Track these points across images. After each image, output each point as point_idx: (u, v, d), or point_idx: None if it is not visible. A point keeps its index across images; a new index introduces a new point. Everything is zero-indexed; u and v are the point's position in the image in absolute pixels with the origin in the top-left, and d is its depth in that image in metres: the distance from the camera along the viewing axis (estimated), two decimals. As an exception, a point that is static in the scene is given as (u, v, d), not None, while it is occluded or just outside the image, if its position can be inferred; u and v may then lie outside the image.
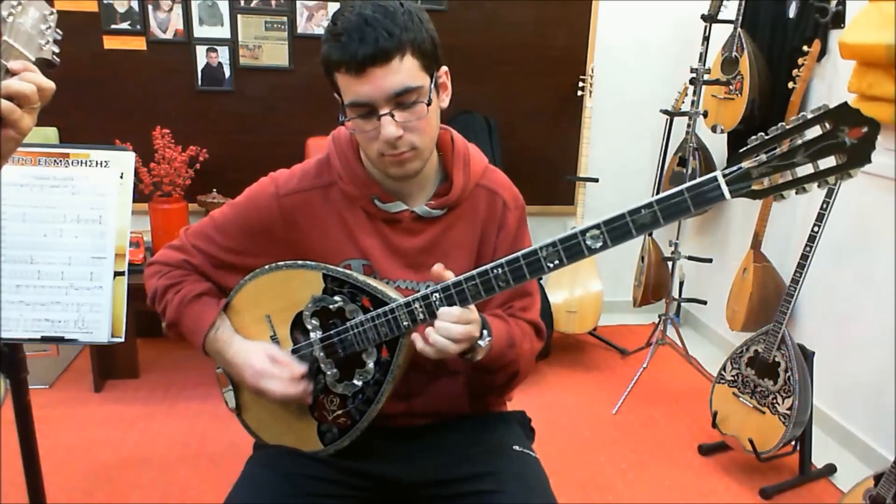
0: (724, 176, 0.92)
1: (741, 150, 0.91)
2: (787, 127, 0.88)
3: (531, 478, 1.23)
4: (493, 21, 3.23)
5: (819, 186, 0.90)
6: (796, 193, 0.91)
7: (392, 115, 1.06)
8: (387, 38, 1.02)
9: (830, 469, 2.42)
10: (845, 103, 0.86)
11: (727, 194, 0.92)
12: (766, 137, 0.90)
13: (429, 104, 1.09)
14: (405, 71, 1.05)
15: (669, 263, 3.09)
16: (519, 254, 1.03)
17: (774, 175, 0.90)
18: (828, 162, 0.88)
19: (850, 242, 2.52)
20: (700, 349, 3.30)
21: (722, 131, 3.02)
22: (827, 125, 0.87)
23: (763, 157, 0.90)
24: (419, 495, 1.25)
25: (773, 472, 2.37)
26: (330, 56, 1.06)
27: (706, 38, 2.93)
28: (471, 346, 1.10)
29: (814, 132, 0.88)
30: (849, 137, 0.85)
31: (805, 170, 0.90)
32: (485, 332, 1.11)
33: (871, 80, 2.24)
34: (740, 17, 2.85)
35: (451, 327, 1.05)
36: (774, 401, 2.24)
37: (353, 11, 1.05)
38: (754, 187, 0.91)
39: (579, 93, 3.31)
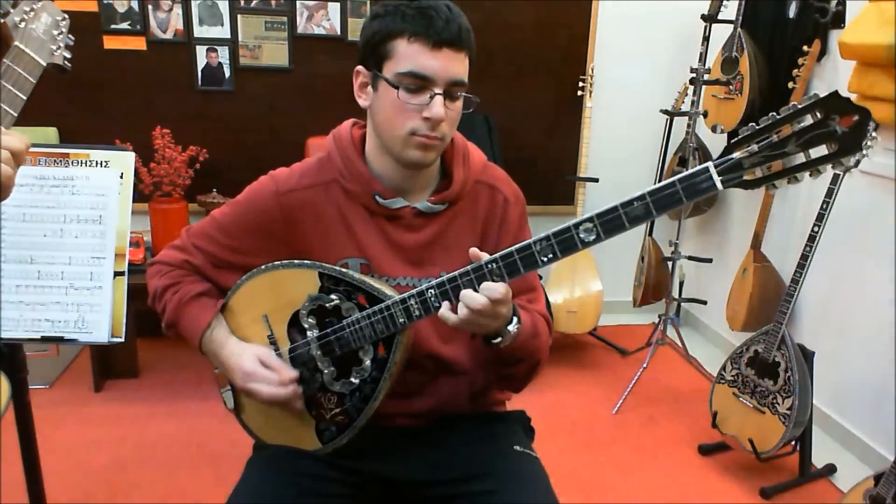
0: (716, 166, 0.92)
1: (733, 141, 0.92)
2: (779, 117, 0.88)
3: (532, 478, 1.23)
4: (493, 21, 3.23)
5: (811, 176, 0.90)
6: (788, 183, 0.91)
7: (444, 98, 1.12)
8: (465, 33, 1.14)
9: (830, 469, 2.42)
10: (836, 92, 0.86)
11: (719, 185, 0.92)
12: (758, 127, 0.90)
13: (464, 105, 1.17)
14: (464, 67, 1.16)
15: (669, 263, 3.09)
16: (513, 248, 1.02)
17: (766, 165, 0.90)
18: (819, 151, 0.88)
19: (850, 242, 2.52)
20: (700, 349, 3.30)
21: (722, 131, 3.02)
22: (818, 114, 0.87)
23: (754, 147, 0.90)
24: (419, 495, 1.25)
25: (773, 472, 2.37)
26: (401, 24, 1.10)
27: (706, 38, 2.93)
28: (498, 331, 1.08)
29: (805, 121, 0.88)
30: (840, 126, 0.85)
31: (797, 159, 0.90)
32: (514, 318, 1.10)
33: (871, 80, 2.24)
34: (740, 17, 2.85)
35: (475, 297, 1.01)
36: (774, 401, 2.24)
37: None
38: (746, 177, 0.91)
39: (579, 93, 3.31)
